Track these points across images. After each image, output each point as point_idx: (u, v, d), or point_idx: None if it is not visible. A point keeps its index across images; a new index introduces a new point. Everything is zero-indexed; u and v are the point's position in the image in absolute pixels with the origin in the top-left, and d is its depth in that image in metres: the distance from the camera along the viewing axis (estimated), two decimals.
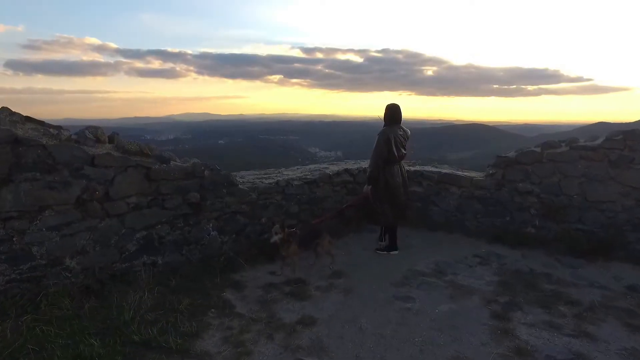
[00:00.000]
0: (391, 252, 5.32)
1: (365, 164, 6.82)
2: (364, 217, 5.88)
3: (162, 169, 4.18)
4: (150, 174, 4.10)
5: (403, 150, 5.11)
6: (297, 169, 6.36)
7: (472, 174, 6.36)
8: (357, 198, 5.41)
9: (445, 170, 6.57)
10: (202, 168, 4.49)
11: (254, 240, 4.98)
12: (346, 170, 6.19)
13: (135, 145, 4.15)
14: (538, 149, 5.62)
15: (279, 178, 5.44)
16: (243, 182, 5.14)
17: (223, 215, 4.71)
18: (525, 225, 5.68)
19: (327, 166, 6.47)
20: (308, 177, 5.66)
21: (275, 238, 4.27)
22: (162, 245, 4.25)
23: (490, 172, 5.87)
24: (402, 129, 5.14)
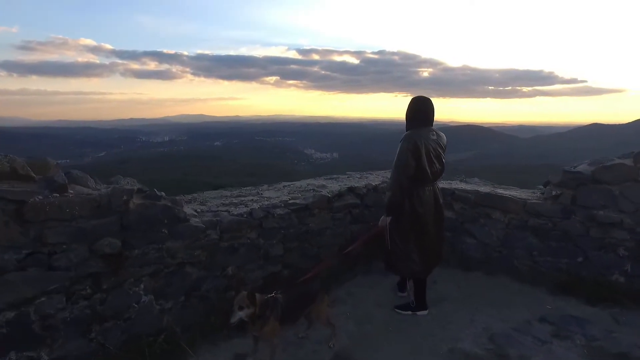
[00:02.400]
0: (418, 313, 3.65)
1: (374, 178, 5.13)
2: (376, 250, 4.21)
3: (49, 202, 2.47)
4: (25, 213, 2.40)
5: (438, 165, 3.43)
6: (284, 187, 4.65)
7: (522, 193, 4.68)
8: (368, 235, 3.71)
9: (484, 188, 4.88)
10: (125, 197, 2.77)
11: (214, 302, 3.29)
12: (350, 190, 4.49)
13: (2, 164, 2.46)
14: (629, 161, 3.94)
15: (254, 205, 3.74)
16: (200, 212, 3.44)
17: (163, 269, 3.01)
18: (609, 272, 4.00)
19: (323, 183, 4.76)
20: (297, 201, 3.96)
21: (240, 315, 2.57)
22: (50, 329, 2.55)
23: (553, 192, 4.19)
24: (436, 132, 3.47)
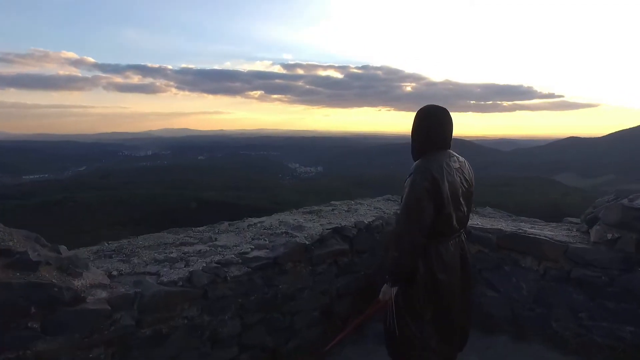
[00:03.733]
0: None
1: (365, 211, 4.04)
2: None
3: None
4: None
5: (465, 207, 2.34)
6: (248, 227, 3.51)
7: (555, 231, 3.64)
8: (363, 316, 2.57)
9: (507, 224, 3.83)
10: None
11: None
12: (336, 232, 3.37)
13: None
14: None
15: (199, 262, 2.59)
16: (117, 275, 2.29)
17: None
18: None
19: (300, 221, 3.62)
20: (262, 253, 2.82)
21: None
22: None
23: (608, 235, 3.14)
24: (457, 158, 2.40)
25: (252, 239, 3.10)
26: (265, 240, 3.08)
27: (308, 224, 3.51)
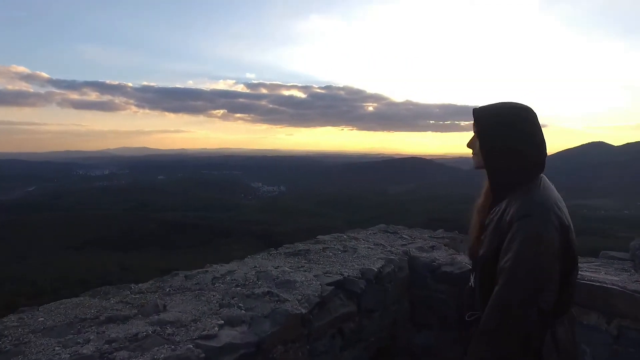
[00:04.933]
0: None
1: (366, 251, 3.10)
2: None
3: None
4: None
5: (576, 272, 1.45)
6: (214, 280, 2.44)
7: (616, 275, 2.82)
8: None
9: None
10: None
11: None
12: (339, 287, 2.39)
13: None
14: None
15: None
16: None
17: None
18: None
19: (287, 273, 2.55)
20: (239, 336, 1.79)
21: None
22: None
23: None
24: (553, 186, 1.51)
25: (221, 306, 2.06)
26: (240, 306, 2.06)
27: (297, 275, 2.50)
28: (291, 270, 2.60)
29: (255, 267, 2.68)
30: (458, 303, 2.90)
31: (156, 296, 2.18)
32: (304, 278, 2.42)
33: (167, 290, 2.28)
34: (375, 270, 2.66)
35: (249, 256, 3.04)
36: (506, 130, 1.41)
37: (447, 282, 2.92)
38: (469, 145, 1.52)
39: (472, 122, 1.50)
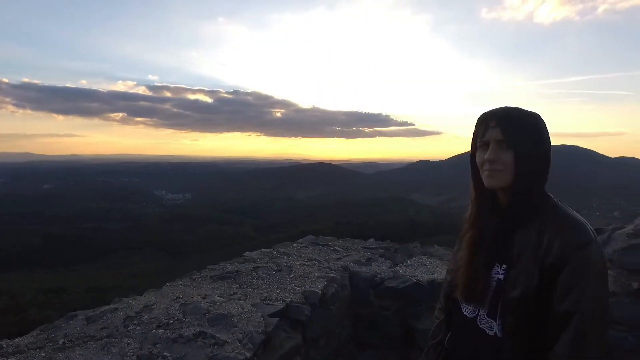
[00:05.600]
0: None
1: (301, 268, 2.82)
2: None
3: None
4: None
5: None
6: (126, 321, 1.97)
7: None
8: None
9: None
10: None
11: None
12: (283, 317, 2.06)
13: None
14: None
15: None
16: None
17: None
18: None
19: (214, 300, 2.15)
20: None
21: None
22: None
23: (635, 285, 2.43)
24: None
25: (139, 358, 1.61)
26: (165, 355, 1.62)
27: (232, 305, 2.11)
28: (223, 299, 2.20)
29: (178, 298, 2.23)
30: (402, 318, 2.74)
31: (43, 355, 1.64)
32: (240, 309, 2.05)
33: (61, 342, 1.75)
34: (319, 292, 2.37)
35: (167, 284, 2.55)
36: (542, 136, 1.20)
37: (390, 298, 2.74)
38: (495, 157, 1.17)
39: (479, 129, 1.21)
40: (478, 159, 1.23)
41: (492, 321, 1.20)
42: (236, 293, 2.33)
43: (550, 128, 1.22)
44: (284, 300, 2.20)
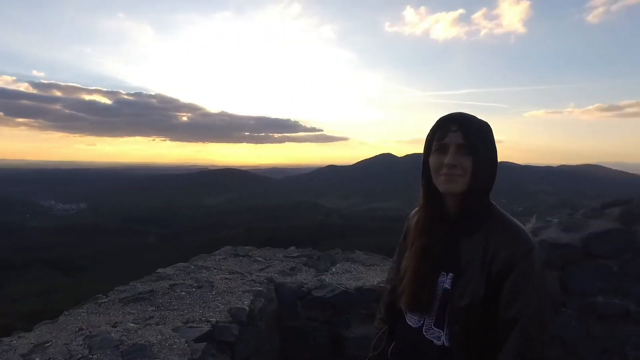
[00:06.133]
0: None
1: (224, 280, 2.65)
2: None
3: None
4: None
5: None
6: None
7: None
8: None
9: None
10: None
11: None
12: (211, 341, 1.87)
13: None
14: (615, 223, 2.76)
15: None
16: None
17: None
18: None
19: (128, 327, 1.89)
20: None
21: None
22: None
23: None
24: None
25: None
26: None
27: (150, 332, 1.87)
28: (138, 326, 1.94)
29: (81, 330, 1.91)
30: (331, 328, 2.68)
31: None
32: (160, 336, 1.82)
33: None
34: (247, 308, 2.21)
35: (65, 313, 2.20)
36: (494, 144, 1.21)
37: (318, 308, 2.68)
38: (455, 162, 1.14)
39: (437, 132, 1.18)
40: (434, 163, 1.19)
41: (440, 331, 1.18)
42: (153, 317, 2.07)
43: None
44: (209, 321, 2.01)
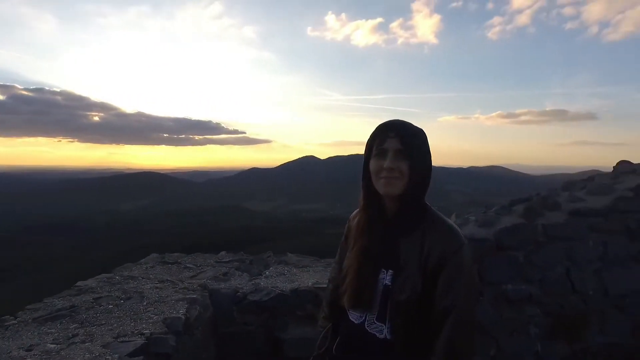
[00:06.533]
0: None
1: (155, 289, 2.57)
2: None
3: None
4: None
5: None
6: None
7: None
8: None
9: None
10: None
11: None
12: (146, 352, 1.79)
13: None
14: (520, 218, 3.10)
15: None
16: None
17: None
18: (520, 358, 3.02)
19: (47, 348, 1.79)
20: None
21: None
22: None
23: None
24: None
25: None
26: None
27: (75, 352, 1.73)
28: (60, 346, 1.79)
29: None
30: (268, 332, 2.69)
31: None
32: (89, 355, 1.70)
33: None
34: (182, 317, 2.14)
35: None
36: (429, 149, 1.30)
37: (254, 312, 2.67)
38: (393, 166, 1.24)
39: (377, 138, 1.27)
40: (374, 166, 1.27)
41: (382, 325, 1.26)
42: (77, 334, 1.93)
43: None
44: (143, 333, 1.92)
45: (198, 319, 2.29)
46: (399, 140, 1.24)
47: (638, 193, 3.18)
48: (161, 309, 2.26)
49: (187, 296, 2.48)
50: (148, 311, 2.23)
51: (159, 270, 3.21)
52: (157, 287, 2.69)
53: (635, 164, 3.69)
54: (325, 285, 1.64)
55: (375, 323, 1.28)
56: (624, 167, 3.69)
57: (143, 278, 2.94)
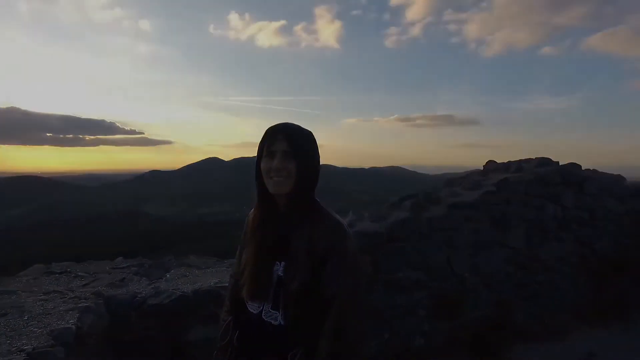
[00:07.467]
0: None
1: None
2: None
3: None
4: None
5: None
6: None
7: None
8: None
9: None
10: None
11: None
12: None
13: None
14: (408, 213, 3.43)
15: None
16: None
17: None
18: (411, 338, 3.34)
19: None
20: None
21: None
22: None
23: None
24: None
25: None
26: None
27: None
28: None
29: None
30: (170, 335, 2.64)
31: None
32: None
33: None
34: (73, 327, 2.03)
35: None
36: (316, 150, 1.40)
37: (155, 316, 2.60)
38: (281, 166, 1.33)
39: (267, 140, 1.36)
40: (264, 167, 1.37)
41: (276, 312, 1.36)
42: None
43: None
44: (23, 350, 1.79)
45: (92, 328, 2.18)
46: (287, 142, 1.34)
47: (499, 188, 3.72)
48: (47, 321, 2.11)
49: (79, 305, 2.34)
50: (30, 325, 2.06)
51: (43, 282, 2.96)
52: (41, 300, 2.49)
53: (499, 163, 4.30)
54: (227, 284, 1.69)
55: (270, 311, 1.37)
56: (491, 166, 4.28)
57: (24, 292, 2.68)
